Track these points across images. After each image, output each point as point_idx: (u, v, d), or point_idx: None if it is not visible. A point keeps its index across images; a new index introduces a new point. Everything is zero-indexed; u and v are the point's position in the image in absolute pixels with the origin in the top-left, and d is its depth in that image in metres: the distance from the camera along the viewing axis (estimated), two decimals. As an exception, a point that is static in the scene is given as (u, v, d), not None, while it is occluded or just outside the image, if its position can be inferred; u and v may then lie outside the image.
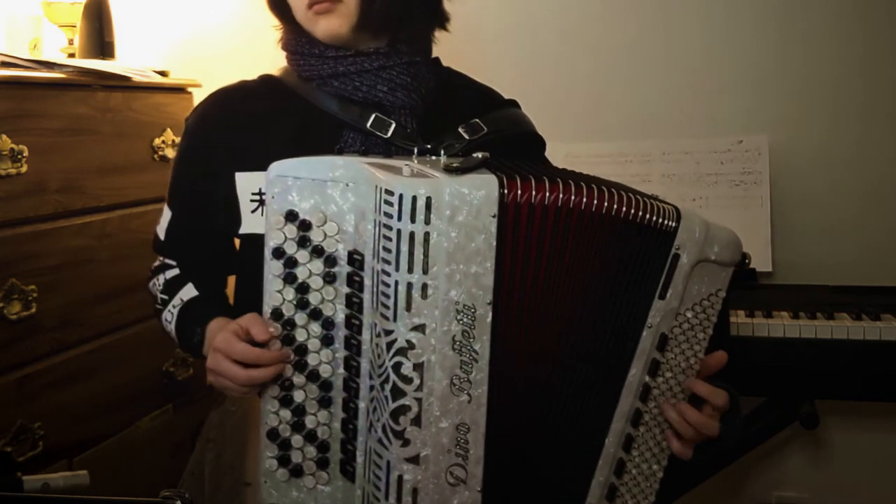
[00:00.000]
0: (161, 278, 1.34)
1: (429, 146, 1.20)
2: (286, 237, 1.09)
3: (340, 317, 1.10)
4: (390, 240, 1.02)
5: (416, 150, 1.19)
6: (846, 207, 2.13)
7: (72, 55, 2.12)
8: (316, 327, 1.11)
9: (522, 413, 1.09)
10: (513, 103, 1.39)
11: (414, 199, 1.00)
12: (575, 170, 1.17)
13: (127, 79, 1.91)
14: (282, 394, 1.11)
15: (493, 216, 1.02)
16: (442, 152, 1.17)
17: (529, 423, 1.10)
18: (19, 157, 1.62)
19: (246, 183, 1.23)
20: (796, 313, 1.83)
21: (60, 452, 1.71)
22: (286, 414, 1.12)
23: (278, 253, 1.09)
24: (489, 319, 1.04)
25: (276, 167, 1.10)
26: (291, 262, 1.09)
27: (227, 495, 1.29)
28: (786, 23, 2.13)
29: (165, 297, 1.32)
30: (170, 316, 1.31)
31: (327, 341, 1.11)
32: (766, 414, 1.95)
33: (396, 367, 1.03)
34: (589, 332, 1.10)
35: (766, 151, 2.03)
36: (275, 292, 1.10)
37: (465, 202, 1.01)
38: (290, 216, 1.09)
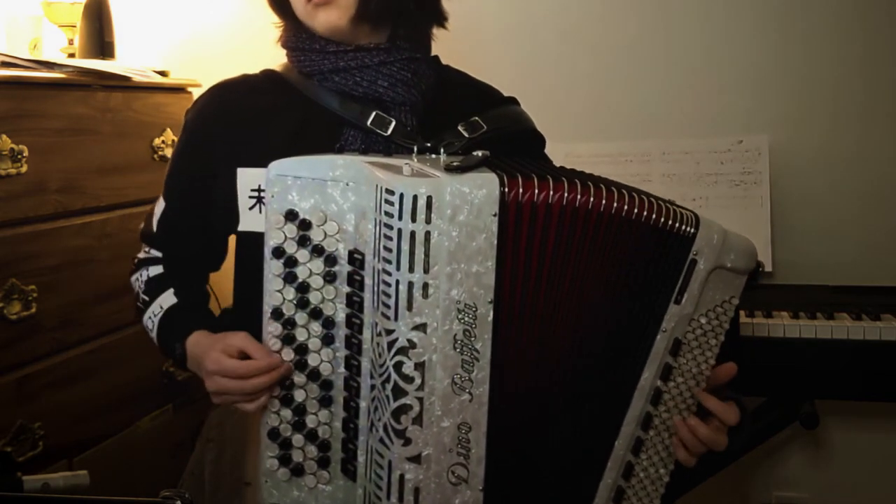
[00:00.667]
0: (144, 274, 1.34)
1: (428, 144, 1.20)
2: (286, 236, 1.09)
3: (341, 316, 1.10)
4: (391, 239, 1.02)
5: (415, 149, 1.19)
6: (846, 207, 2.13)
7: (72, 55, 2.12)
8: (316, 326, 1.11)
9: (525, 413, 1.09)
10: (512, 100, 1.39)
11: (415, 198, 1.00)
12: (576, 170, 1.16)
13: (127, 79, 1.91)
14: (282, 393, 1.11)
15: (494, 215, 1.02)
16: (442, 151, 1.17)
17: (532, 423, 1.10)
18: (19, 157, 1.62)
19: (245, 179, 1.23)
20: (796, 313, 1.83)
21: (60, 452, 1.71)
22: (287, 413, 1.12)
23: (278, 252, 1.09)
24: (490, 318, 1.03)
25: (276, 166, 1.10)
26: (292, 262, 1.09)
27: (227, 495, 1.29)
28: (786, 23, 2.13)
29: (146, 298, 1.32)
30: (150, 324, 1.31)
31: (328, 340, 1.11)
32: (766, 414, 1.95)
33: (398, 366, 1.03)
34: (598, 333, 1.09)
35: (766, 151, 2.03)
36: (275, 292, 1.10)
37: (466, 201, 1.01)
38: (291, 215, 1.09)
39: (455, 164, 1.05)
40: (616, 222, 1.06)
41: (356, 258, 1.09)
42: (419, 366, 1.02)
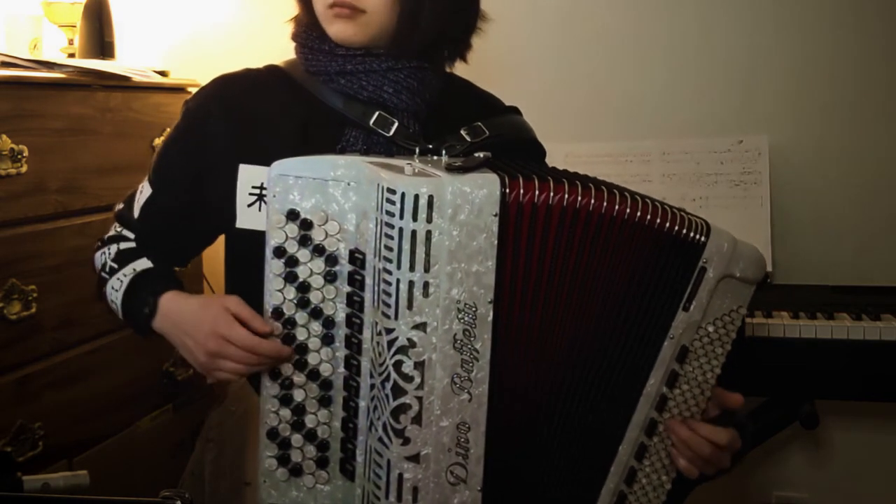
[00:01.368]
0: (113, 248, 1.30)
1: (430, 146, 1.20)
2: (287, 236, 1.09)
3: (341, 315, 1.10)
4: (392, 238, 1.02)
5: (417, 150, 1.19)
6: (846, 207, 2.13)
7: (72, 55, 2.12)
8: (317, 326, 1.11)
9: (525, 413, 1.09)
10: (514, 110, 1.39)
11: (416, 197, 1.00)
12: (572, 170, 1.16)
13: (127, 79, 1.91)
14: (282, 393, 1.11)
15: (495, 215, 1.02)
16: (443, 152, 1.17)
17: (532, 424, 1.10)
18: (19, 157, 1.62)
19: (246, 176, 1.22)
20: (796, 313, 1.83)
21: (60, 452, 1.71)
22: (286, 413, 1.12)
23: (279, 252, 1.09)
24: (490, 318, 1.04)
25: (278, 166, 1.09)
26: (292, 261, 1.09)
27: (227, 495, 1.29)
28: (787, 22, 2.13)
29: (115, 265, 1.28)
30: (117, 284, 1.26)
31: (328, 340, 1.11)
32: (766, 414, 1.95)
33: (397, 365, 1.03)
34: (601, 336, 1.09)
35: (766, 151, 2.03)
36: (276, 291, 1.10)
37: (467, 201, 1.01)
38: (292, 215, 1.09)
39: (456, 164, 1.06)
40: (617, 225, 1.06)
41: (357, 258, 1.09)
42: (419, 365, 1.03)
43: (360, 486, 1.11)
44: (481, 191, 1.02)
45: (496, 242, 1.02)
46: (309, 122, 1.25)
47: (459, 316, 1.02)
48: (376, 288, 1.05)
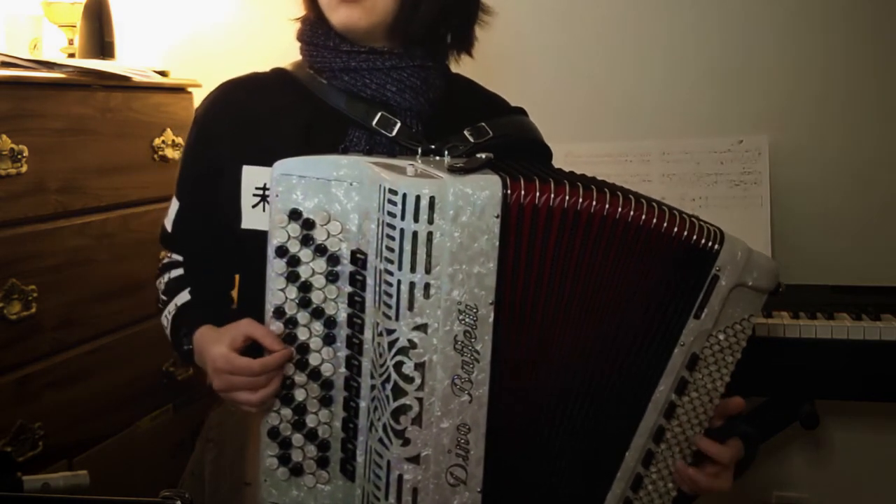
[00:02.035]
0: (166, 277, 1.34)
1: (433, 146, 1.20)
2: (290, 236, 1.09)
3: (342, 316, 1.10)
4: (393, 239, 1.02)
5: (419, 150, 1.19)
6: (846, 207, 2.13)
7: (72, 55, 2.12)
8: (318, 326, 1.11)
9: (526, 416, 1.09)
10: (520, 111, 1.39)
11: (417, 198, 1.00)
12: (571, 170, 1.16)
13: (127, 79, 1.91)
14: (283, 392, 1.11)
15: (497, 216, 1.02)
16: (446, 153, 1.17)
17: (533, 427, 1.10)
18: (19, 157, 1.62)
19: (250, 177, 1.23)
20: (796, 313, 1.83)
21: (60, 452, 1.71)
22: (287, 412, 1.12)
23: (281, 251, 1.09)
24: (491, 320, 1.03)
25: (281, 166, 1.10)
26: (294, 261, 1.09)
27: (227, 495, 1.29)
28: (787, 22, 2.13)
29: (165, 298, 1.33)
30: (166, 322, 1.32)
31: (329, 340, 1.11)
32: (766, 414, 1.95)
33: (398, 366, 1.03)
34: (607, 340, 1.09)
35: (766, 151, 2.03)
36: (277, 291, 1.10)
37: (469, 202, 1.01)
38: (294, 215, 1.09)
39: (458, 165, 1.06)
40: (621, 228, 1.06)
41: (359, 258, 1.09)
42: (419, 366, 1.03)
43: (360, 486, 1.11)
44: (483, 192, 1.02)
45: (498, 244, 1.02)
46: (312, 123, 1.25)
47: (460, 317, 1.02)
48: (377, 289, 1.05)
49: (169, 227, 1.34)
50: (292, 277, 1.09)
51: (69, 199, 1.76)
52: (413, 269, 1.01)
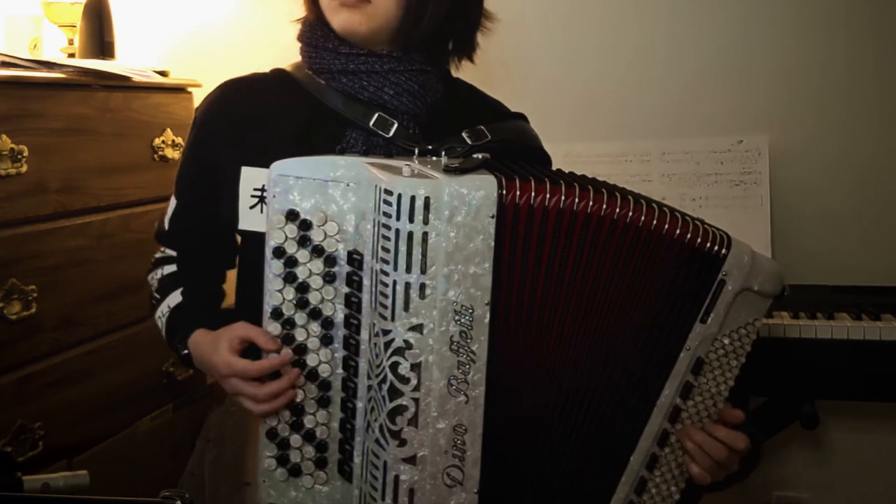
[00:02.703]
0: (159, 273, 1.34)
1: (430, 147, 1.20)
2: (287, 236, 1.09)
3: (340, 316, 1.11)
4: (389, 239, 1.02)
5: (416, 151, 1.19)
6: (846, 207, 2.12)
7: (72, 55, 2.12)
8: (315, 327, 1.11)
9: (523, 417, 1.09)
10: (520, 116, 1.39)
11: (413, 199, 1.00)
12: (571, 170, 1.16)
13: (127, 79, 1.91)
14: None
15: (492, 217, 1.02)
16: (443, 153, 1.17)
17: (531, 428, 1.10)
18: (19, 157, 1.62)
19: (248, 178, 1.23)
20: (796, 313, 1.83)
21: (60, 452, 1.71)
22: (285, 413, 1.12)
23: (279, 252, 1.09)
24: (487, 320, 1.03)
25: (278, 166, 1.10)
26: (292, 262, 1.09)
27: (227, 495, 1.29)
28: (787, 21, 2.13)
29: (158, 296, 1.33)
30: (160, 323, 1.32)
31: (326, 341, 1.11)
32: (766, 414, 1.95)
33: (394, 367, 1.03)
34: (607, 342, 1.08)
35: (766, 151, 2.02)
36: (275, 291, 1.10)
37: (464, 202, 1.01)
38: (291, 215, 1.09)
39: (454, 165, 1.06)
40: (619, 229, 1.05)
41: (355, 259, 1.09)
42: (415, 367, 1.03)
43: (357, 487, 1.11)
44: (478, 192, 1.02)
45: (493, 244, 1.02)
46: (310, 124, 1.25)
47: (456, 318, 1.02)
48: (374, 289, 1.05)
49: (166, 225, 1.35)
50: (289, 278, 1.10)
51: (69, 199, 1.76)
52: (409, 270, 1.01)
